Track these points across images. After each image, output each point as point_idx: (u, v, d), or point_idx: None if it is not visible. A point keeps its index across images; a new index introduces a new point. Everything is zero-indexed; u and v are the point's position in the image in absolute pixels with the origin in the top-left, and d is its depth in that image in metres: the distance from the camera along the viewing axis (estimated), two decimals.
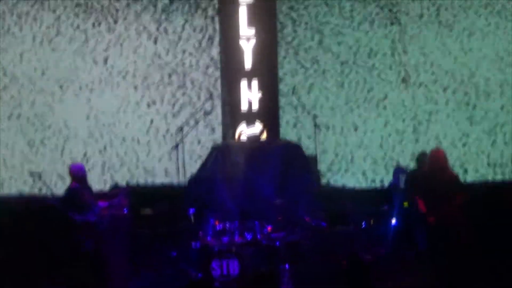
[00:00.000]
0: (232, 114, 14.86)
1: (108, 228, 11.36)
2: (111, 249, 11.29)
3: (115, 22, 15.21)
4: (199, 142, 15.08)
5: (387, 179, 14.77)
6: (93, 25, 15.16)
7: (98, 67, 15.17)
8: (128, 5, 15.23)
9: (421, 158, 13.31)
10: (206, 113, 15.05)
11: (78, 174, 11.77)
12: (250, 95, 14.72)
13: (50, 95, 15.13)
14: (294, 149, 13.76)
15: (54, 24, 15.14)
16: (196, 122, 14.93)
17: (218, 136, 15.07)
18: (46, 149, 15.10)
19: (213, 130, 15.13)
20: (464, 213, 11.08)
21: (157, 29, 15.23)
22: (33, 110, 15.14)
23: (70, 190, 11.69)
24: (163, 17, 15.22)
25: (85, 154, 15.05)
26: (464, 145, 15.15)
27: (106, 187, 14.74)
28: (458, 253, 10.89)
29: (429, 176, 11.36)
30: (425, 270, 11.26)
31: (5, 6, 15.13)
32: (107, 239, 11.31)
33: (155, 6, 15.21)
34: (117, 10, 15.22)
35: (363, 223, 12.66)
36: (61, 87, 15.11)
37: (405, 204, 12.52)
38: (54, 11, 15.15)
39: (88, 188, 11.93)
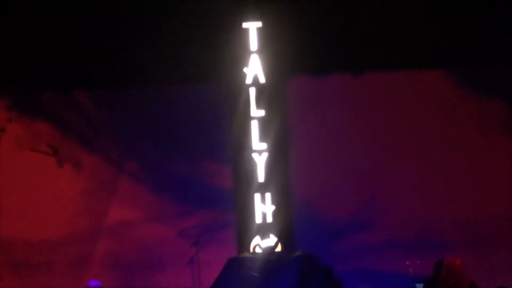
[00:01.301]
0: (246, 227, 14.91)
1: None
2: None
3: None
4: (214, 255, 15.06)
5: None
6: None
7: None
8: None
9: (438, 265, 13.22)
10: (221, 226, 15.09)
11: None
12: (263, 208, 14.79)
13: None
14: (310, 260, 13.68)
15: None
16: (211, 236, 14.95)
17: (233, 249, 15.07)
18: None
19: (227, 243, 15.14)
20: None
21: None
22: None
23: None
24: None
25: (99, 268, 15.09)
26: None
27: None
28: None
29: (448, 285, 11.24)
30: None
31: None
32: None
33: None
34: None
35: None
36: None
37: None
38: None
39: None
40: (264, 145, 14.91)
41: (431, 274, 13.81)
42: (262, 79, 15.00)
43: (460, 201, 15.08)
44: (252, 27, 15.06)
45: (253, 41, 15.03)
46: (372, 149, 15.26)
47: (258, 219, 14.77)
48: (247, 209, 14.91)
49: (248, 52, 15.03)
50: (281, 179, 15.05)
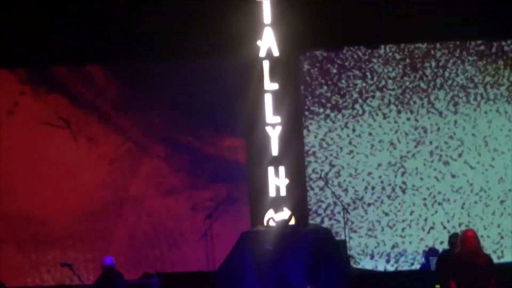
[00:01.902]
0: (260, 201, 14.94)
1: None
2: None
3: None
4: (228, 228, 15.13)
5: (418, 262, 14.73)
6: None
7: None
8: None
9: (453, 239, 13.23)
10: (235, 200, 15.13)
11: (108, 266, 12.19)
12: (277, 181, 14.80)
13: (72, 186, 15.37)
14: (323, 233, 13.70)
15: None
16: (225, 209, 14.99)
17: (246, 223, 15.12)
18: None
19: (241, 216, 15.20)
20: None
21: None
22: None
23: (100, 279, 11.92)
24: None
25: (113, 243, 15.18)
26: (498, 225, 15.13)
27: (136, 275, 14.77)
28: None
29: (460, 259, 11.20)
30: None
31: None
32: None
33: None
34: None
35: None
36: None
37: (437, 287, 12.37)
38: None
39: (120, 278, 12.13)
40: (277, 119, 14.89)
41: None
42: (276, 53, 14.95)
43: None
44: (266, 0, 15.00)
45: (267, 14, 14.97)
46: None
47: (272, 193, 14.77)
48: (261, 183, 14.92)
49: (262, 25, 14.97)
50: (294, 153, 15.04)
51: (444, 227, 15.05)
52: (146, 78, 15.50)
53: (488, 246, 14.68)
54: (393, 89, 15.38)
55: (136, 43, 15.10)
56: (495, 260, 12.07)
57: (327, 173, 15.19)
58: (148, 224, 15.34)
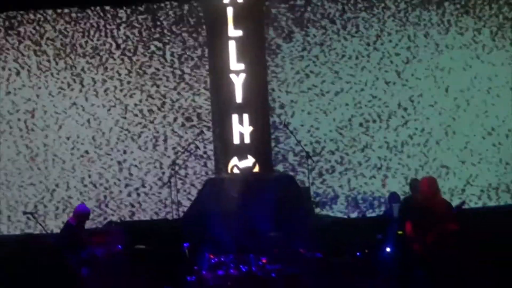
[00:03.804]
0: (224, 148, 14.93)
1: (101, 266, 11.40)
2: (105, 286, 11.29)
3: (106, 59, 15.31)
4: (192, 176, 15.14)
5: (382, 207, 14.86)
6: (87, 62, 15.29)
7: (89, 103, 15.24)
8: (116, 40, 15.34)
9: (413, 184, 13.39)
10: (198, 147, 15.10)
11: (79, 215, 12.11)
12: (241, 129, 14.78)
13: (41, 134, 15.20)
14: (287, 180, 13.76)
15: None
16: (189, 157, 14.97)
17: (211, 170, 15.14)
18: (39, 188, 15.15)
19: (205, 164, 15.20)
20: (455, 243, 10.99)
21: (147, 63, 15.33)
22: (26, 149, 15.20)
23: (67, 227, 11.92)
24: (153, 51, 15.33)
25: (77, 190, 15.09)
26: (457, 172, 15.27)
27: (99, 224, 14.76)
28: (454, 284, 10.82)
29: (418, 205, 11.35)
30: None
31: None
32: (100, 276, 11.31)
33: (147, 40, 15.34)
34: (107, 46, 15.34)
35: (358, 253, 12.61)
36: (48, 126, 15.19)
37: (400, 232, 12.49)
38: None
39: (85, 230, 12.12)
40: (241, 66, 14.81)
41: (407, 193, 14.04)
42: None
43: None
44: None
45: None
46: None
47: (236, 140, 14.75)
48: (225, 130, 14.88)
49: None
50: (259, 100, 15.00)
51: (408, 170, 15.18)
52: (111, 24, 15.35)
53: (449, 192, 14.86)
54: (361, 36, 15.34)
55: None
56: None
57: (289, 121, 15.16)
58: (114, 172, 15.30)
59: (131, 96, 15.29)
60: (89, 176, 15.17)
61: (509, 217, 13.76)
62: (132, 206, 15.13)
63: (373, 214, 14.98)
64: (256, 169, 14.41)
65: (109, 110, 15.27)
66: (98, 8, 15.38)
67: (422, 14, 15.28)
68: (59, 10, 15.35)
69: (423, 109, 15.23)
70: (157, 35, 15.34)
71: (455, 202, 12.88)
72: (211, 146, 15.23)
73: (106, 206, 15.13)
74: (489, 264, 11.53)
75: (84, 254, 11.41)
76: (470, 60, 15.24)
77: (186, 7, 15.32)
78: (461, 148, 15.19)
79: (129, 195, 15.15)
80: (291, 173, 14.91)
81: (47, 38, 15.36)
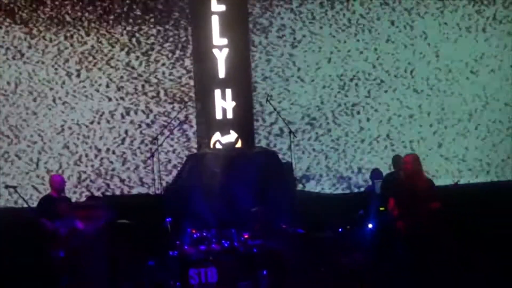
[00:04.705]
0: (207, 123, 14.91)
1: (81, 240, 11.33)
2: (85, 260, 11.23)
3: (88, 34, 15.21)
4: (174, 151, 15.13)
5: (364, 184, 14.91)
6: (65, 37, 15.17)
7: (71, 79, 15.16)
8: (100, 16, 15.25)
9: (395, 161, 13.43)
10: (181, 123, 15.07)
11: (56, 185, 11.96)
12: (224, 104, 14.75)
13: (24, 108, 15.11)
14: (270, 156, 13.76)
15: (26, 37, 15.13)
16: (171, 132, 14.95)
17: (193, 145, 15.12)
18: (21, 161, 15.08)
19: (188, 139, 15.18)
20: (438, 221, 11.03)
21: (130, 40, 15.25)
22: (7, 123, 15.11)
23: (45, 199, 11.84)
24: (135, 28, 15.25)
25: (60, 166, 15.04)
26: (439, 147, 15.35)
27: (82, 198, 14.72)
28: (435, 262, 10.86)
29: (402, 181, 11.36)
30: (402, 278, 11.23)
31: None
32: (80, 250, 11.26)
33: (127, 17, 15.24)
34: (89, 22, 15.23)
35: (340, 228, 12.65)
36: (34, 100, 15.10)
37: (382, 208, 12.54)
38: (26, 23, 15.17)
39: (66, 200, 11.99)
40: (224, 41, 14.75)
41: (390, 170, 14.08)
42: None
43: None
44: None
45: None
46: None
47: (219, 115, 14.72)
48: (208, 105, 14.86)
49: None
50: (241, 75, 14.97)
51: (392, 146, 15.24)
52: None
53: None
54: (349, 11, 15.35)
55: None
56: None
57: (271, 96, 15.16)
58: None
59: (116, 71, 15.21)
60: (70, 149, 15.12)
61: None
62: (114, 180, 15.11)
63: (356, 190, 15.06)
64: (239, 145, 14.40)
65: (93, 85, 15.19)
66: None
67: None
68: None
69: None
70: (140, 11, 15.26)
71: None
72: (194, 121, 15.20)
73: (88, 180, 15.10)
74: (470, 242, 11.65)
75: (60, 228, 11.30)
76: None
77: None
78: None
79: (111, 169, 15.12)
80: (274, 149, 14.93)
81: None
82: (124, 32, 15.24)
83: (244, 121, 14.91)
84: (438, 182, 12.88)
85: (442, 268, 10.81)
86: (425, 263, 10.82)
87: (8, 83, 15.11)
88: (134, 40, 15.25)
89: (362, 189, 14.87)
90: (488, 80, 15.50)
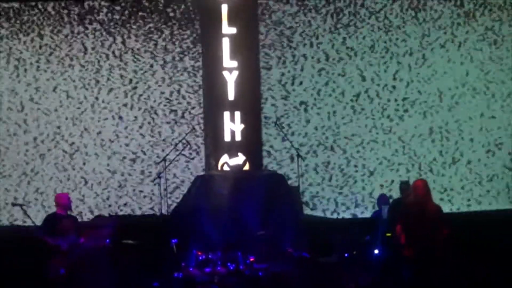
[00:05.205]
0: (215, 145, 14.93)
1: (84, 258, 11.33)
2: (86, 277, 11.23)
3: (97, 52, 15.29)
4: (182, 172, 15.13)
5: (371, 209, 14.86)
6: (71, 59, 15.26)
7: (80, 99, 15.21)
8: (109, 33, 15.31)
9: (403, 186, 13.38)
10: (189, 144, 15.08)
11: (62, 203, 11.90)
12: (233, 126, 14.78)
13: (28, 128, 15.19)
14: (277, 179, 13.75)
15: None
16: (179, 153, 14.95)
17: (201, 167, 15.12)
18: (27, 180, 15.13)
19: (196, 160, 15.19)
20: (447, 248, 10.99)
21: (140, 59, 15.31)
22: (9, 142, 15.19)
23: (50, 216, 11.82)
24: (146, 47, 15.31)
25: (67, 185, 15.07)
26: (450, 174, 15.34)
27: (87, 218, 14.74)
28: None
29: (409, 208, 11.31)
30: None
31: None
32: (82, 268, 11.26)
33: (137, 35, 15.31)
34: (99, 39, 15.32)
35: (346, 253, 12.62)
36: (36, 120, 15.17)
37: (388, 234, 12.50)
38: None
39: (72, 218, 11.98)
40: (235, 63, 14.79)
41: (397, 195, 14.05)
42: None
43: None
44: None
45: None
46: None
47: (227, 137, 14.75)
48: (217, 127, 14.88)
49: None
50: (251, 98, 15.00)
51: (397, 171, 15.22)
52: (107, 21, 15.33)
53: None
54: (348, 33, 15.36)
55: None
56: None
57: (280, 119, 15.18)
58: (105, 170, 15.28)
59: (124, 91, 15.26)
60: (78, 171, 15.16)
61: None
62: (121, 200, 15.11)
63: (363, 215, 15.01)
64: (246, 167, 14.40)
65: (101, 104, 15.24)
66: (95, 2, 15.34)
67: None
68: None
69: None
70: (152, 31, 15.32)
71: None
72: (202, 143, 15.22)
73: (96, 200, 15.11)
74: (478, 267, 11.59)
75: (62, 244, 11.30)
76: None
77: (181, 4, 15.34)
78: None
79: (118, 189, 15.12)
80: (281, 172, 14.92)
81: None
82: (134, 51, 15.31)
83: (252, 143, 14.93)
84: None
85: None
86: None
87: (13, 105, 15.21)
88: (144, 59, 15.32)
89: (369, 215, 14.82)
90: None
